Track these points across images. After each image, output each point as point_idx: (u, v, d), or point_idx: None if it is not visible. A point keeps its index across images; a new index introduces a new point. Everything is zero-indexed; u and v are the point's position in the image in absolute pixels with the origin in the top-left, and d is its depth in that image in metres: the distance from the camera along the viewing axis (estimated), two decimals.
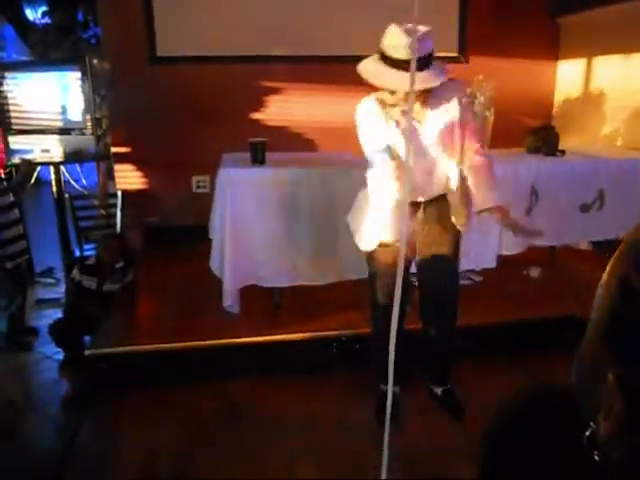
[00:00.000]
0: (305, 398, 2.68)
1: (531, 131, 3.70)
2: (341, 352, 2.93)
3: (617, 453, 0.43)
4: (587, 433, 0.46)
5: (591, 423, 0.46)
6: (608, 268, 0.46)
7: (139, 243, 4.18)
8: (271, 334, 2.93)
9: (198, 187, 4.49)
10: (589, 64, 4.60)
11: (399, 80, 2.05)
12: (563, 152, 3.54)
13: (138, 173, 4.47)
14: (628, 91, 4.15)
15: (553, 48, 4.86)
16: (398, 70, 2.04)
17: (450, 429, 2.46)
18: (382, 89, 2.19)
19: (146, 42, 4.24)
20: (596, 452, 0.45)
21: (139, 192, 4.46)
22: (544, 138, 3.61)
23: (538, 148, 3.59)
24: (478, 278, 3.59)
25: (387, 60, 2.08)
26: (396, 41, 2.05)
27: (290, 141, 4.39)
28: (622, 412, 0.40)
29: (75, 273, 3.27)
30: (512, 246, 3.34)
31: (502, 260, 3.40)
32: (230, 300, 2.96)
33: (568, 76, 4.81)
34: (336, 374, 2.85)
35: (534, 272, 3.69)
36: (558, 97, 4.94)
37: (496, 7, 4.59)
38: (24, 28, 7.00)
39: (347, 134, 4.48)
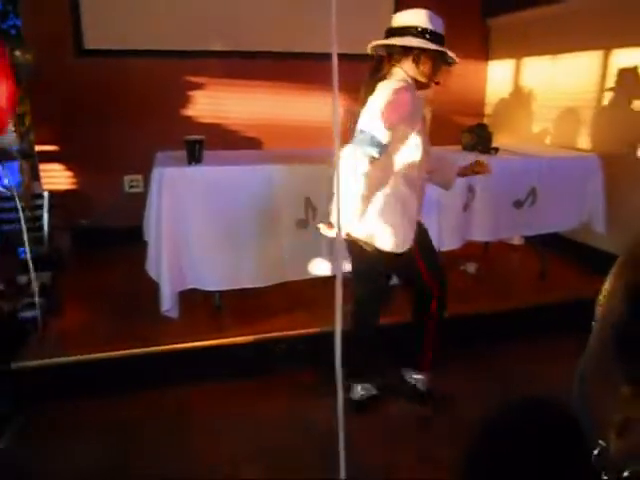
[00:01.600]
0: (249, 402, 2.62)
1: (466, 129, 3.78)
2: (285, 353, 2.89)
3: (631, 471, 0.40)
4: (595, 452, 0.43)
5: (600, 441, 0.43)
6: (611, 276, 0.43)
7: (67, 246, 3.96)
8: (212, 338, 2.84)
9: (131, 187, 4.31)
10: (518, 65, 4.76)
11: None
12: (497, 150, 3.64)
13: (66, 173, 4.24)
14: (555, 91, 4.32)
15: (484, 48, 5.00)
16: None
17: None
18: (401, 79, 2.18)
19: (72, 34, 4.03)
20: (605, 472, 0.42)
21: (67, 192, 4.23)
22: (478, 136, 3.69)
23: (473, 146, 3.67)
24: None
25: (437, 37, 2.19)
26: (438, 18, 2.26)
27: (227, 139, 4.29)
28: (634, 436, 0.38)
29: None
30: (449, 242, 3.40)
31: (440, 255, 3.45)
32: (168, 304, 2.84)
33: (498, 76, 4.97)
34: (280, 376, 2.80)
35: (471, 267, 3.78)
36: (489, 96, 5.08)
37: (430, 7, 4.66)
38: None
39: (286, 131, 4.48)
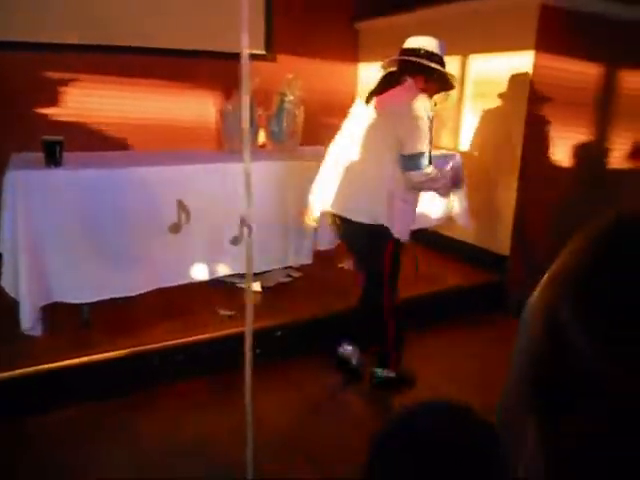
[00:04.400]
0: (126, 422, 2.46)
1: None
2: (165, 365, 2.75)
3: None
4: None
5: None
6: (536, 293, 0.38)
7: None
8: (80, 355, 2.62)
9: None
10: None
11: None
12: None
13: None
14: None
15: (353, 51, 5.15)
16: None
17: None
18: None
19: None
20: None
21: None
22: None
23: None
24: (297, 274, 3.66)
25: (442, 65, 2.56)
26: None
27: (92, 140, 4.02)
28: (541, 473, 0.35)
29: None
30: (325, 243, 3.46)
31: (318, 255, 3.49)
32: (29, 322, 2.59)
33: (368, 77, 5.13)
34: (160, 390, 2.67)
35: (349, 264, 3.86)
36: (360, 96, 5.24)
37: (302, 9, 4.71)
38: None
39: (155, 131, 4.29)
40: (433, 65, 2.49)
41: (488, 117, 3.96)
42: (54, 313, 2.76)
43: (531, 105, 3.59)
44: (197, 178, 2.98)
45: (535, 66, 3.52)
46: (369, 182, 2.57)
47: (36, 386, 2.53)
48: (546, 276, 0.37)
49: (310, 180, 3.26)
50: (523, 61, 3.58)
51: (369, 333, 2.89)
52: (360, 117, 2.66)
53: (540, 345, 0.35)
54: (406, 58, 2.54)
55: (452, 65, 4.15)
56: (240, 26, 1.41)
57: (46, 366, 2.54)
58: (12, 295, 2.58)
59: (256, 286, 3.40)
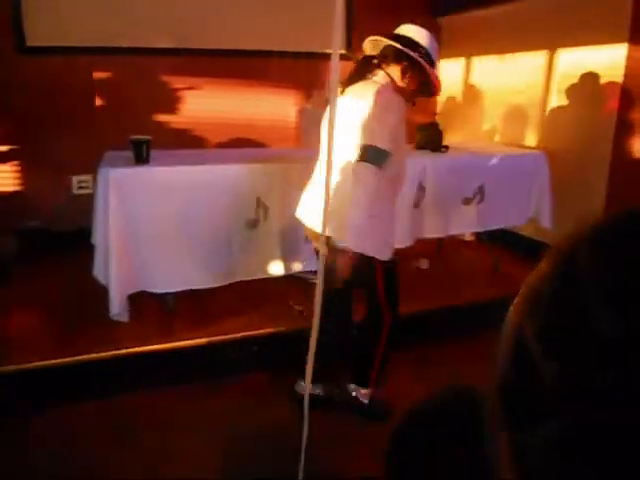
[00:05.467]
0: (205, 406, 2.58)
1: (418, 128, 3.83)
2: (240, 355, 2.87)
3: None
4: None
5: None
6: (511, 308, 0.39)
7: (11, 250, 3.83)
8: (164, 342, 2.79)
9: (80, 187, 4.20)
10: (468, 63, 4.84)
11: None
12: (447, 148, 3.70)
13: (9, 174, 4.09)
14: (503, 90, 4.42)
15: None
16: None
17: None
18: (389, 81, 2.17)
19: (13, 30, 3.89)
20: None
21: (11, 194, 4.09)
22: (429, 135, 3.74)
23: (425, 144, 3.72)
24: None
25: (429, 60, 2.17)
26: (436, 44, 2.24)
27: (177, 138, 4.23)
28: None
29: None
30: (401, 240, 3.44)
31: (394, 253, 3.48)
32: (117, 308, 2.78)
33: (449, 74, 5.04)
34: (233, 378, 2.77)
35: (423, 264, 3.83)
36: (441, 95, 5.15)
37: (382, 5, 4.69)
38: None
39: (237, 129, 4.44)
40: (412, 53, 2.12)
41: (575, 114, 3.78)
42: (140, 301, 2.94)
43: (623, 102, 3.39)
44: (276, 176, 3.06)
45: (628, 59, 3.32)
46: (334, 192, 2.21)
47: (120, 368, 2.71)
48: (521, 290, 0.37)
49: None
50: (615, 54, 3.39)
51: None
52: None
53: (506, 360, 0.36)
54: (383, 39, 2.19)
55: (538, 60, 4.01)
56: (331, 26, 1.43)
57: (130, 350, 2.71)
58: (103, 283, 2.78)
59: None
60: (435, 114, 5.04)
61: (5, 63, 3.85)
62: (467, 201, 3.57)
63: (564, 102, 3.87)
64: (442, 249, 4.12)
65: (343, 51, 4.66)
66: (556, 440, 0.30)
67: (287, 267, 3.14)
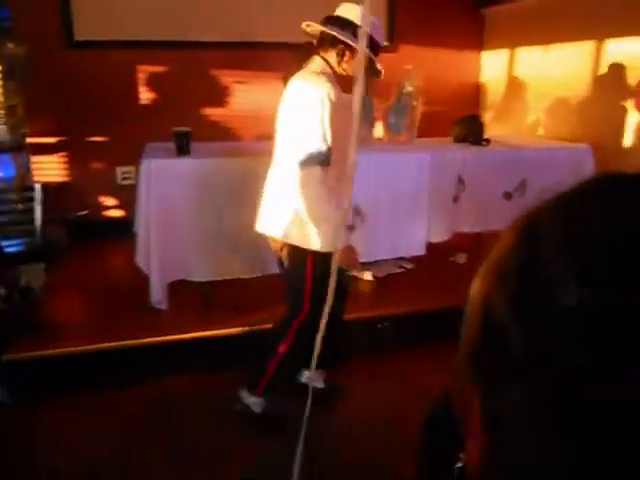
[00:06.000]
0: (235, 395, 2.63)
1: (457, 120, 3.78)
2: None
3: None
4: (457, 465, 0.42)
5: (461, 454, 0.43)
6: (478, 277, 0.39)
7: (60, 239, 3.98)
8: (202, 330, 2.86)
9: (123, 178, 4.32)
10: (512, 55, 4.74)
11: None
12: (488, 141, 3.64)
13: (58, 165, 4.25)
14: (548, 82, 4.31)
15: (478, 38, 4.97)
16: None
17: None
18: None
19: (63, 26, 4.02)
20: None
21: (60, 185, 4.24)
22: (469, 127, 3.69)
23: (464, 137, 3.67)
24: (409, 265, 3.65)
25: (371, 42, 1.94)
26: (380, 26, 2.12)
27: (218, 130, 4.29)
28: (485, 446, 0.35)
29: None
30: (439, 233, 3.41)
31: (430, 247, 3.46)
32: (158, 296, 2.87)
33: (492, 66, 4.95)
34: None
35: (461, 258, 3.79)
36: (483, 87, 5.07)
37: None
38: None
39: (274, 122, 4.46)
40: (337, 34, 1.99)
41: (621, 107, 3.66)
42: (179, 290, 3.01)
43: None
44: None
45: None
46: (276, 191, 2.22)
47: (158, 355, 2.79)
48: (488, 258, 0.39)
49: (423, 172, 3.26)
50: None
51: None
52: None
53: (474, 328, 0.36)
54: (315, 25, 2.07)
55: (583, 51, 3.89)
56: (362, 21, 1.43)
57: (169, 337, 2.79)
58: (144, 271, 2.86)
59: (367, 275, 3.46)
60: (476, 106, 4.98)
61: (55, 58, 3.99)
62: (508, 195, 3.50)
63: (610, 94, 3.75)
64: (481, 244, 4.06)
65: (386, 43, 4.63)
66: (523, 405, 0.31)
67: None
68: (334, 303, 2.38)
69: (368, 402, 2.60)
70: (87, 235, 4.01)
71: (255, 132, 4.38)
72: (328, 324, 2.38)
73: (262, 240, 3.00)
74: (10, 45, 4.18)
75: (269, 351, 2.31)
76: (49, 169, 4.22)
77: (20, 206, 4.03)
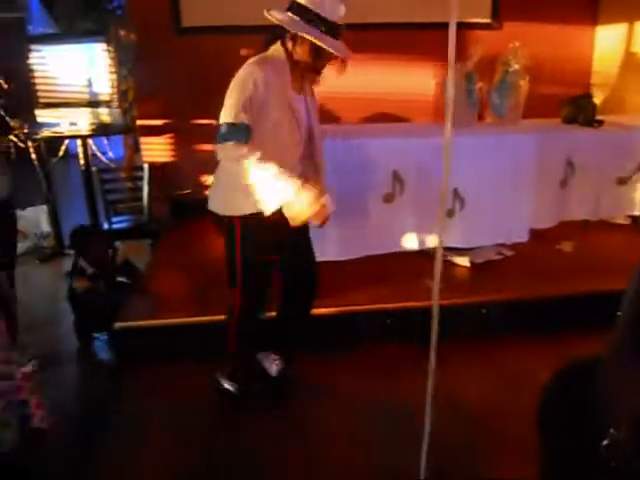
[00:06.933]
0: (336, 374, 2.65)
1: (567, 101, 3.56)
2: (368, 328, 2.90)
3: None
4: (605, 442, 0.40)
5: (611, 430, 0.40)
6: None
7: (165, 216, 4.19)
8: None
9: None
10: (630, 30, 4.38)
11: (339, 46, 2.03)
12: (601, 122, 3.40)
13: (165, 146, 4.45)
14: None
15: (591, 13, 4.64)
16: (334, 37, 2.02)
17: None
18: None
19: (171, 12, 4.18)
20: (613, 461, 0.39)
21: (166, 165, 4.45)
22: (581, 108, 3.47)
23: (574, 118, 3.45)
24: (509, 252, 3.50)
25: (322, 23, 1.99)
26: (336, 5, 2.02)
27: (327, 112, 4.30)
28: None
29: (79, 285, 3.11)
30: (545, 220, 3.25)
31: (534, 234, 3.31)
32: None
33: (607, 42, 4.60)
34: (360, 349, 2.81)
35: (567, 246, 3.59)
36: (596, 65, 4.73)
37: None
38: (49, 0, 6.97)
39: (377, 103, 4.42)
40: (278, 21, 2.02)
41: None
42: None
43: None
44: (413, 150, 3.02)
45: None
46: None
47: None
48: None
49: (528, 155, 3.11)
50: None
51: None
52: None
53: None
54: (266, 14, 2.08)
55: None
56: None
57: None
58: None
59: (464, 261, 3.36)
60: (588, 86, 4.66)
61: (163, 44, 4.16)
62: (622, 180, 3.27)
63: None
64: (589, 232, 3.83)
65: (488, 20, 4.44)
66: None
67: (422, 242, 3.11)
68: (299, 287, 2.41)
69: (469, 387, 2.54)
70: (189, 213, 4.19)
71: (352, 114, 4.36)
72: (290, 309, 2.45)
73: (360, 222, 3.00)
74: (122, 32, 4.43)
75: (226, 333, 2.38)
76: (156, 150, 4.44)
77: (129, 184, 4.28)
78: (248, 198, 2.00)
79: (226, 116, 1.97)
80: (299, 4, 2.01)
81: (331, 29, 2.00)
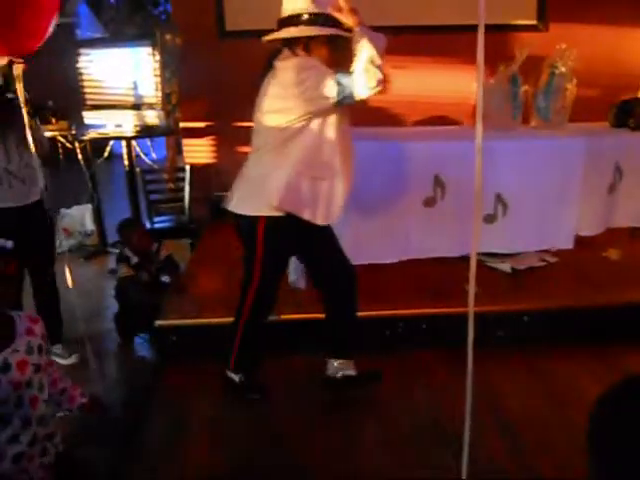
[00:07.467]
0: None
1: (616, 104, 3.46)
2: (406, 332, 2.87)
3: None
4: None
5: None
6: None
7: (205, 217, 4.24)
8: None
9: None
10: None
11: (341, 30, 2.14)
12: None
13: (206, 147, 4.52)
14: None
15: None
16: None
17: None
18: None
19: (215, 17, 4.24)
20: None
21: (207, 166, 4.51)
22: (631, 111, 3.36)
23: (624, 122, 3.35)
24: (553, 259, 3.41)
25: (318, 19, 2.08)
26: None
27: (360, 116, 4.29)
28: None
29: (124, 272, 3.24)
30: (591, 227, 3.16)
31: (579, 241, 3.21)
32: (295, 275, 2.95)
33: None
34: (398, 354, 2.77)
35: (614, 254, 3.47)
36: None
37: None
38: (98, 6, 7.17)
39: (418, 106, 4.38)
40: (287, 36, 2.13)
41: None
42: None
43: None
44: (455, 154, 2.98)
45: None
46: None
47: (298, 330, 2.86)
48: None
49: (575, 159, 3.03)
50: None
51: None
52: None
53: None
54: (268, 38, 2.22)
55: None
56: None
57: (305, 315, 2.84)
58: None
59: (506, 267, 3.29)
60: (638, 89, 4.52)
61: (208, 47, 4.22)
62: None
63: None
64: (637, 239, 3.70)
65: (533, 22, 4.35)
66: None
67: (463, 247, 3.05)
68: (338, 292, 2.42)
69: (508, 395, 2.49)
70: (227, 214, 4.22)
71: (396, 117, 4.34)
72: (333, 313, 2.44)
73: (399, 224, 2.97)
74: (168, 36, 4.52)
75: (233, 327, 2.44)
76: (198, 151, 4.51)
77: (171, 185, 4.36)
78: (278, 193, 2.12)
79: (327, 88, 2.07)
80: (291, 16, 2.12)
81: (327, 20, 2.09)
